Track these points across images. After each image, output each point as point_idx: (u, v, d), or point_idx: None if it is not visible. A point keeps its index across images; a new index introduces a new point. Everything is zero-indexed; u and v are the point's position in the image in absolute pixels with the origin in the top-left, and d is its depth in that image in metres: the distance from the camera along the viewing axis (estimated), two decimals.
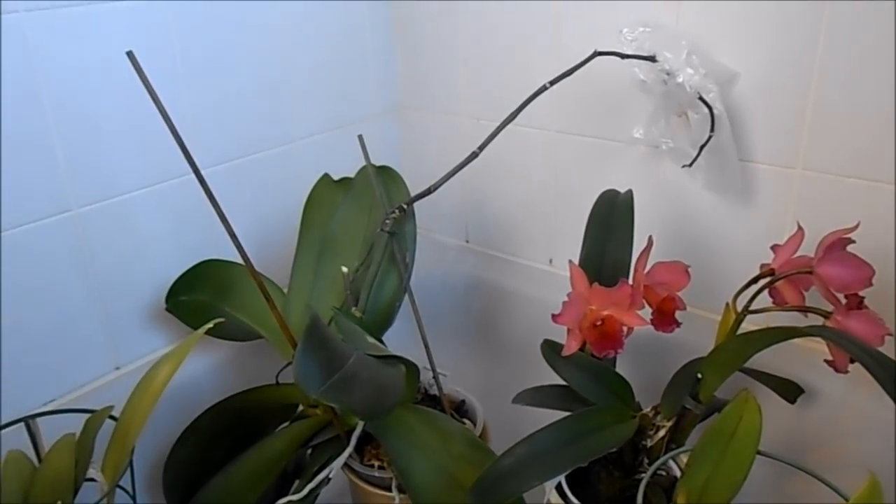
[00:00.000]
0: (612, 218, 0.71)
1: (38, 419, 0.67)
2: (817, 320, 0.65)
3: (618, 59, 0.77)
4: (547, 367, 0.72)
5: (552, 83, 0.75)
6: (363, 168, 0.81)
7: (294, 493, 0.73)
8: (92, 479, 0.62)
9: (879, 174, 0.73)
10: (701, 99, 0.76)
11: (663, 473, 0.74)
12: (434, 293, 1.12)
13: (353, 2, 1.02)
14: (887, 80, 0.70)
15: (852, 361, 0.62)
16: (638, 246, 0.70)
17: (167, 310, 0.85)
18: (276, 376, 0.82)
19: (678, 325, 0.65)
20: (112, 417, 0.64)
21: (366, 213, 0.81)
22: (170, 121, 0.61)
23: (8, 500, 0.60)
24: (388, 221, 0.75)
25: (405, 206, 0.75)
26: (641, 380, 0.80)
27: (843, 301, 0.63)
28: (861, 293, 0.63)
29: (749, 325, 0.69)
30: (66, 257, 0.78)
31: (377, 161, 0.84)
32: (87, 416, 0.65)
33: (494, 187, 1.09)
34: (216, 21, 0.86)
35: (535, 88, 0.75)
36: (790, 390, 0.76)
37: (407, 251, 0.77)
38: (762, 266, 0.70)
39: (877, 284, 0.61)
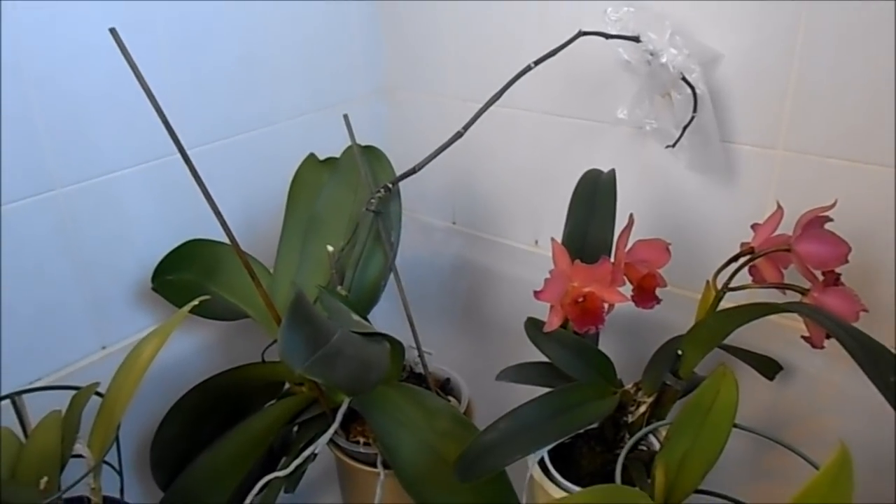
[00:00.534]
0: (594, 197, 0.71)
1: (25, 397, 0.67)
2: (795, 297, 0.66)
3: (602, 39, 0.77)
4: (531, 346, 0.73)
5: (536, 63, 0.75)
6: (348, 148, 0.81)
7: (280, 470, 0.74)
8: (79, 455, 0.62)
9: (858, 155, 0.74)
10: (684, 79, 0.77)
11: (644, 448, 0.75)
12: (420, 274, 1.13)
13: None
14: (867, 62, 0.71)
15: (828, 337, 0.64)
16: (620, 225, 0.71)
17: (153, 289, 0.86)
18: (262, 354, 0.83)
19: (658, 301, 0.66)
20: (98, 394, 0.65)
21: (351, 193, 0.81)
22: (154, 99, 0.61)
23: None
24: (373, 201, 0.75)
25: (390, 186, 0.76)
26: (623, 357, 0.81)
27: (821, 278, 0.64)
28: (838, 270, 0.64)
29: (729, 302, 0.70)
30: (51, 237, 0.78)
31: (363, 141, 0.84)
32: (73, 393, 0.66)
33: (481, 169, 1.09)
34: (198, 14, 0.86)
35: (522, 68, 0.75)
36: (769, 367, 0.77)
37: (392, 230, 0.77)
38: (742, 245, 0.71)
39: (854, 262, 0.62)
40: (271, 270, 0.84)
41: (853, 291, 0.62)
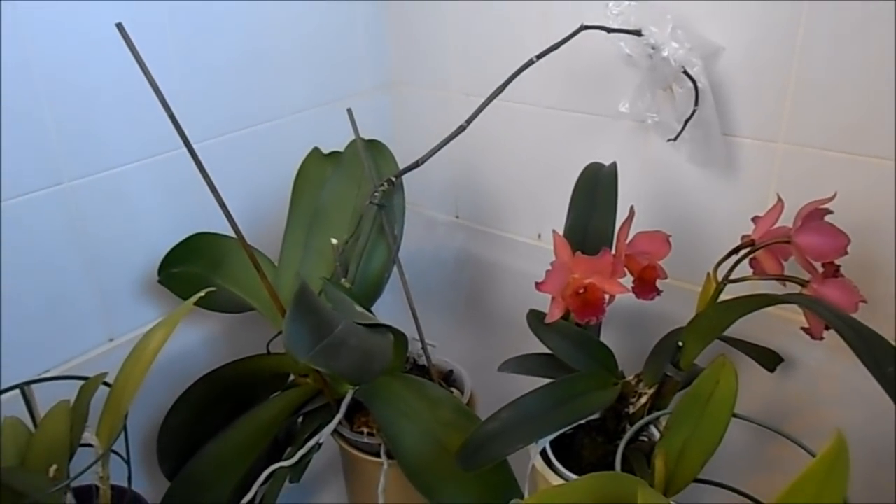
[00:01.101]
0: (596, 190, 0.72)
1: (34, 387, 0.68)
2: (795, 289, 0.66)
3: (604, 33, 0.78)
4: (533, 339, 0.74)
5: (539, 57, 0.75)
6: (352, 142, 0.81)
7: (285, 460, 0.75)
8: (87, 444, 0.63)
9: (858, 148, 0.75)
10: (685, 73, 0.77)
11: (645, 439, 0.76)
12: (424, 267, 1.13)
13: None
14: (867, 55, 0.71)
15: (827, 328, 0.64)
16: (622, 217, 0.71)
17: (159, 282, 0.86)
18: (267, 346, 0.83)
19: (658, 293, 0.66)
20: (106, 384, 0.65)
21: (355, 187, 0.82)
22: (160, 93, 0.62)
23: (6, 464, 0.61)
24: (376, 194, 0.76)
25: (394, 179, 0.76)
26: (625, 349, 0.82)
27: (820, 270, 0.65)
28: (837, 262, 0.64)
29: (729, 294, 0.71)
30: (59, 230, 0.79)
31: (367, 135, 0.85)
32: (81, 383, 0.67)
33: (484, 163, 1.10)
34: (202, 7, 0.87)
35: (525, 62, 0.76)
36: (769, 359, 0.78)
37: (395, 223, 0.78)
38: (743, 237, 0.72)
39: (853, 254, 0.63)
40: (276, 263, 0.85)
41: (852, 283, 0.63)
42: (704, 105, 0.78)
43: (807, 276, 0.65)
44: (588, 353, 0.71)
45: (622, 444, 0.62)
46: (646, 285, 0.66)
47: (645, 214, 0.92)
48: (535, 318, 0.71)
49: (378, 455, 0.76)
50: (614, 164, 0.71)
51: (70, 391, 0.68)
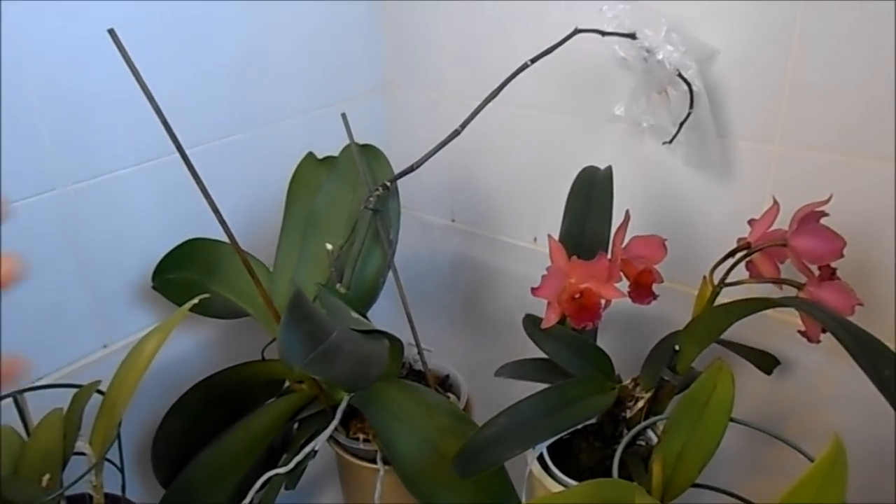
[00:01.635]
0: (591, 194, 0.72)
1: (26, 395, 0.68)
2: (791, 292, 0.66)
3: (599, 37, 0.78)
4: (530, 343, 0.73)
5: (533, 61, 0.75)
6: (347, 146, 0.81)
7: (281, 466, 0.74)
8: (81, 453, 0.63)
9: (854, 149, 0.75)
10: (680, 76, 0.77)
11: (642, 444, 0.75)
12: (420, 272, 1.13)
13: None
14: (863, 56, 0.71)
15: (824, 331, 0.64)
16: (617, 221, 0.71)
17: (154, 288, 0.86)
18: (262, 352, 0.83)
19: (655, 297, 0.66)
20: (99, 392, 0.65)
21: (350, 191, 0.82)
22: (153, 99, 0.61)
23: None
24: (371, 199, 0.76)
25: (388, 184, 0.76)
26: (622, 353, 0.81)
27: (817, 273, 0.65)
28: (833, 265, 0.64)
29: (726, 297, 0.70)
30: (53, 236, 0.79)
31: (362, 139, 0.84)
32: (74, 391, 0.66)
33: (480, 167, 1.10)
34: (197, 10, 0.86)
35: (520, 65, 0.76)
36: (766, 361, 0.77)
37: (391, 228, 0.78)
38: (739, 240, 0.71)
39: (850, 257, 0.63)
40: (271, 269, 0.85)
41: (849, 286, 0.62)
42: (699, 108, 0.78)
43: (803, 279, 0.65)
44: (584, 357, 0.71)
45: (619, 449, 0.62)
46: (642, 290, 0.65)
47: (641, 217, 0.92)
48: (532, 322, 0.71)
49: (374, 461, 0.76)
50: (609, 168, 0.71)
51: (64, 398, 0.67)
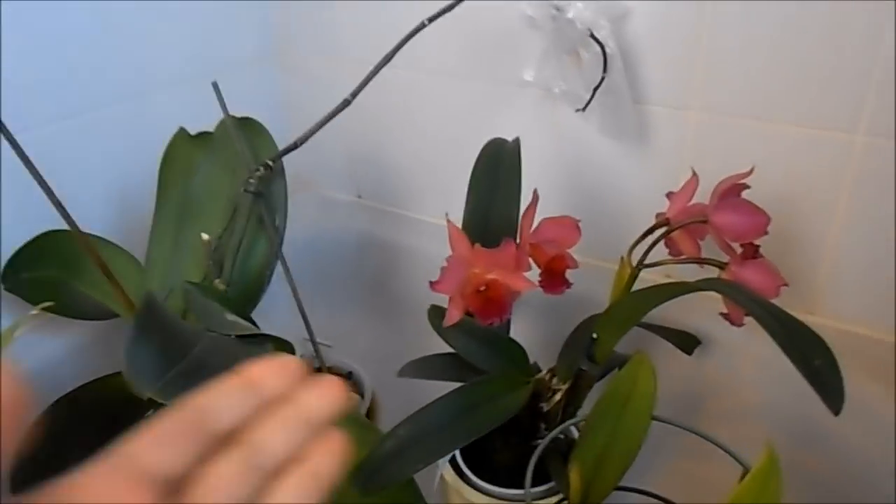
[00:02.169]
0: (498, 171, 0.64)
1: None
2: (713, 272, 0.61)
3: None
4: None
5: (430, 20, 0.67)
6: (223, 121, 0.71)
7: None
8: None
9: (774, 115, 0.70)
10: (592, 36, 0.70)
11: (562, 437, 0.70)
12: (323, 255, 1.04)
13: None
14: (780, 19, 0.66)
15: (748, 314, 0.59)
16: (528, 199, 0.64)
17: (6, 289, 0.74)
18: None
19: (569, 285, 0.60)
20: None
21: (230, 173, 0.72)
22: None
23: None
24: (251, 181, 0.66)
25: (271, 163, 0.67)
26: (540, 339, 0.76)
27: (739, 250, 0.60)
28: (757, 242, 0.59)
29: (651, 275, 0.65)
30: None
31: (254, 112, 0.74)
32: None
33: (386, 138, 1.01)
34: None
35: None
36: (687, 342, 0.73)
37: (277, 213, 0.69)
38: (658, 215, 0.66)
39: (774, 232, 0.58)
40: (144, 263, 0.74)
41: (773, 265, 0.58)
42: (613, 71, 0.72)
43: (725, 258, 0.60)
44: (496, 351, 0.65)
45: (534, 456, 0.56)
46: (554, 278, 0.59)
47: (556, 191, 0.86)
48: (437, 315, 0.63)
49: None
50: (517, 141, 0.64)
51: None
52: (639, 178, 0.80)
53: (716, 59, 0.71)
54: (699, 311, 0.76)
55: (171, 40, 0.89)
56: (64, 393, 0.71)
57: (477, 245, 0.54)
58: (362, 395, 0.77)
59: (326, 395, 0.25)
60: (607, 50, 0.71)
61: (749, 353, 0.76)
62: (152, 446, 0.23)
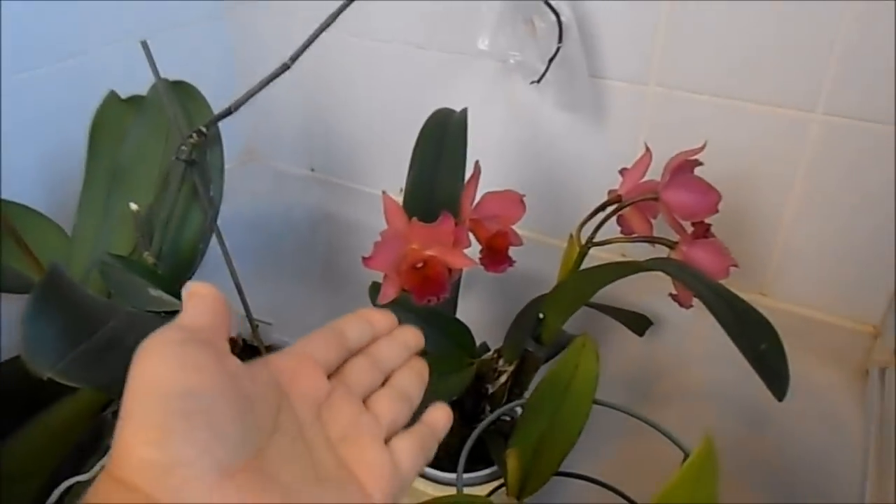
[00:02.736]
0: (442, 142, 0.61)
1: None
2: (664, 251, 0.59)
3: None
4: None
5: None
6: (155, 84, 0.67)
7: (87, 472, 0.62)
8: None
9: (732, 91, 0.68)
10: (547, 3, 0.67)
11: (507, 418, 0.68)
12: (274, 229, 1.01)
13: None
14: None
15: (696, 296, 0.58)
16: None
17: None
18: None
19: (511, 263, 0.57)
20: None
21: (162, 139, 0.68)
22: None
23: None
24: (184, 148, 0.62)
25: (205, 130, 0.63)
26: (488, 318, 0.74)
27: (690, 229, 0.58)
28: (708, 221, 0.58)
29: (603, 254, 0.63)
30: None
31: (205, 75, 0.70)
32: None
33: (340, 109, 0.97)
34: None
35: None
36: (638, 323, 0.71)
37: (212, 183, 0.65)
38: (610, 192, 0.64)
39: (729, 211, 0.56)
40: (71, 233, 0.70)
41: (723, 245, 0.56)
42: (569, 42, 0.69)
43: (676, 237, 0.58)
44: (439, 329, 0.62)
45: (473, 435, 0.54)
46: (496, 255, 0.56)
47: (507, 165, 0.84)
48: (377, 292, 0.60)
49: None
50: (464, 112, 0.61)
51: None
52: (593, 154, 0.78)
53: (674, 34, 0.69)
54: (651, 291, 0.74)
55: None
56: None
57: (414, 219, 0.51)
58: None
59: (415, 334, 0.40)
60: (563, 19, 0.68)
61: (699, 334, 0.75)
62: (316, 347, 0.34)
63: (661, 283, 0.69)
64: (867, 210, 0.68)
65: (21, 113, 0.78)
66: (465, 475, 0.53)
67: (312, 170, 1.05)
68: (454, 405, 0.66)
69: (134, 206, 0.63)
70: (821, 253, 0.73)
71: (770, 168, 0.70)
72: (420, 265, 0.51)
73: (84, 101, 0.82)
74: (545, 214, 0.81)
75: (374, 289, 0.61)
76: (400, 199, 0.96)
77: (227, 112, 0.61)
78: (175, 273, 0.64)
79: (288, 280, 1.00)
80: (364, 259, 0.51)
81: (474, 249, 0.56)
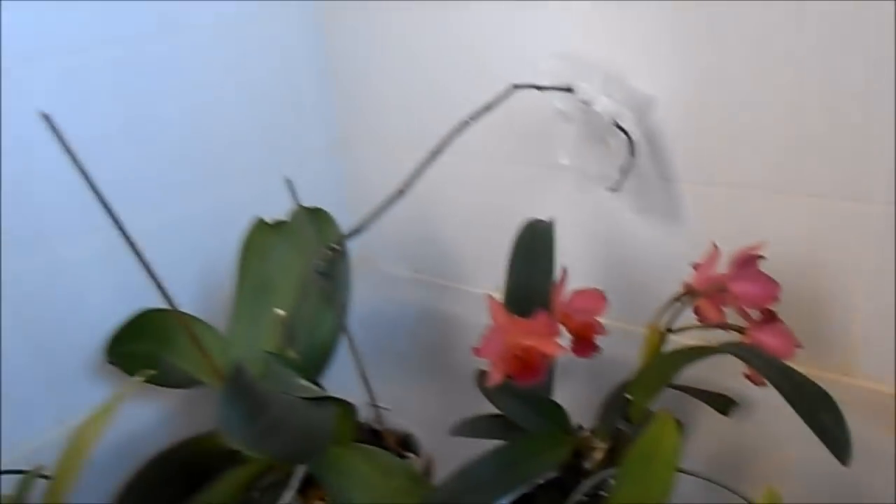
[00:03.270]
0: (533, 248, 0.72)
1: None
2: (736, 336, 0.67)
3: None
4: None
5: (472, 119, 0.76)
6: (296, 210, 0.82)
7: None
8: None
9: (792, 187, 0.76)
10: (618, 126, 0.78)
11: (603, 494, 0.75)
12: (384, 326, 1.13)
13: (284, 38, 1.04)
14: (792, 95, 0.73)
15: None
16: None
17: (109, 362, 0.85)
18: None
19: (597, 349, 0.66)
20: (45, 476, 0.64)
21: (300, 256, 0.82)
22: (89, 179, 0.62)
23: None
24: (320, 262, 0.76)
25: (336, 247, 0.76)
26: (584, 399, 0.81)
27: (758, 316, 0.65)
28: (774, 307, 0.65)
29: (681, 339, 0.70)
30: (2, 314, 0.78)
31: (321, 198, 0.84)
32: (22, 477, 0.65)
33: (441, 217, 1.10)
34: (143, 69, 0.87)
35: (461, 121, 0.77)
36: (723, 403, 0.77)
37: (342, 291, 0.78)
38: (684, 284, 0.72)
39: (797, 293, 0.63)
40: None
41: (788, 328, 0.63)
42: (640, 154, 0.80)
43: (745, 323, 0.66)
44: (538, 411, 0.71)
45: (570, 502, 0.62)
46: (584, 343, 0.66)
47: (592, 262, 0.93)
48: (483, 378, 0.70)
49: None
50: (551, 222, 0.72)
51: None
52: (666, 250, 0.86)
53: (734, 137, 0.77)
54: (733, 373, 0.80)
55: (248, 135, 1.02)
56: (158, 452, 0.80)
57: (514, 315, 0.61)
58: (419, 455, 0.83)
59: None
60: (633, 137, 0.79)
61: (786, 413, 0.79)
62: None
63: (740, 367, 0.75)
64: None
65: (178, 236, 0.95)
66: None
67: (415, 271, 1.18)
68: (555, 482, 0.74)
69: (280, 312, 0.77)
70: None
71: (835, 255, 0.76)
72: (519, 353, 0.61)
73: (222, 225, 0.99)
74: (626, 305, 0.88)
75: (481, 375, 0.71)
76: (496, 295, 1.07)
77: (356, 231, 0.75)
78: (314, 366, 0.76)
79: (396, 370, 1.11)
80: (474, 349, 0.61)
81: (565, 339, 0.65)
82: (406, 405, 0.94)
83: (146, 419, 0.90)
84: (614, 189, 0.83)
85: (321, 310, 0.78)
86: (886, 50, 0.67)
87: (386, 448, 0.78)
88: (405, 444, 0.86)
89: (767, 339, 0.62)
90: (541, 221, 0.75)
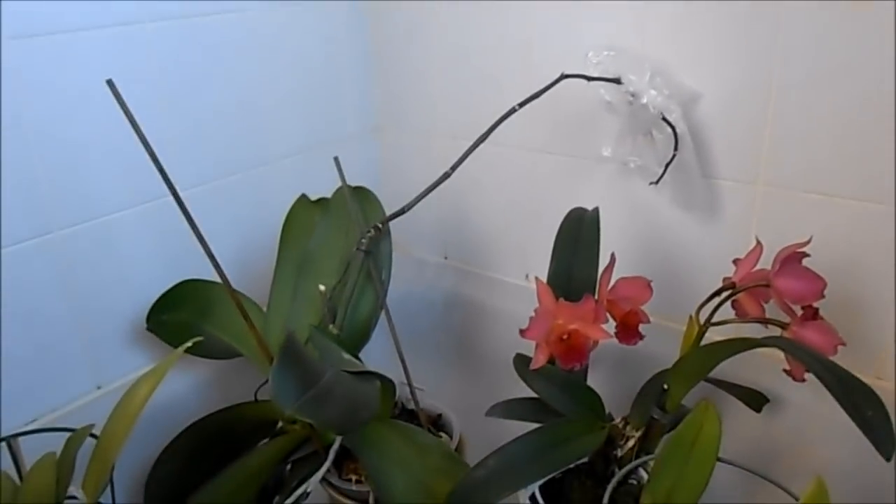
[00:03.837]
0: (579, 236, 0.73)
1: (21, 439, 0.68)
2: (776, 331, 0.67)
3: (585, 81, 0.80)
4: (522, 382, 0.74)
5: (521, 105, 0.77)
6: (339, 188, 0.83)
7: None
8: (73, 497, 0.63)
9: (834, 189, 0.76)
10: (664, 119, 0.79)
11: (634, 482, 0.76)
12: (413, 310, 1.14)
13: (330, 23, 1.05)
14: (839, 99, 0.73)
15: (808, 370, 0.65)
16: (605, 261, 0.72)
17: (148, 329, 0.87)
18: (255, 393, 0.83)
19: (641, 337, 0.67)
20: (93, 436, 0.65)
21: (343, 233, 0.83)
22: (149, 146, 0.63)
23: None
24: (363, 241, 0.77)
25: (380, 226, 0.77)
26: (614, 391, 0.82)
27: (800, 312, 0.66)
28: (816, 304, 0.65)
29: (715, 335, 0.71)
30: (48, 279, 0.80)
31: (356, 181, 0.86)
32: (68, 434, 0.67)
33: (472, 204, 1.11)
34: (193, 44, 0.88)
35: (508, 109, 0.78)
36: (755, 399, 0.78)
37: (383, 269, 0.79)
38: (725, 279, 0.73)
39: (834, 295, 0.64)
40: (265, 309, 0.85)
41: (831, 325, 0.63)
42: (684, 149, 0.80)
43: (787, 319, 0.66)
44: (574, 397, 0.72)
45: (608, 491, 0.62)
46: (628, 330, 0.66)
47: (630, 256, 0.93)
48: (522, 362, 0.71)
49: (367, 502, 0.76)
50: (596, 210, 0.73)
51: (57, 441, 0.67)
52: (707, 246, 0.87)
53: (779, 138, 0.78)
54: (768, 371, 0.80)
55: (292, 118, 1.03)
56: (194, 420, 0.82)
57: (561, 299, 0.62)
58: (451, 435, 0.84)
59: None
60: (678, 131, 0.79)
61: (817, 411, 0.80)
62: None
63: (776, 364, 0.76)
64: None
65: (218, 211, 0.96)
66: None
67: (446, 258, 1.19)
68: (586, 467, 0.75)
69: (322, 288, 0.78)
70: None
71: (873, 258, 0.76)
72: (565, 337, 0.62)
73: (263, 201, 1.01)
74: (665, 299, 0.89)
75: (520, 359, 0.72)
76: (527, 284, 1.08)
77: (401, 212, 0.76)
78: (354, 342, 0.77)
79: (425, 354, 1.12)
80: (521, 331, 0.62)
81: (609, 325, 0.66)
82: (434, 387, 0.95)
83: (179, 389, 0.92)
84: (655, 183, 0.84)
85: (362, 287, 0.79)
86: None
87: (420, 426, 0.79)
88: (437, 424, 0.87)
89: (810, 335, 0.63)
90: (585, 210, 0.76)
